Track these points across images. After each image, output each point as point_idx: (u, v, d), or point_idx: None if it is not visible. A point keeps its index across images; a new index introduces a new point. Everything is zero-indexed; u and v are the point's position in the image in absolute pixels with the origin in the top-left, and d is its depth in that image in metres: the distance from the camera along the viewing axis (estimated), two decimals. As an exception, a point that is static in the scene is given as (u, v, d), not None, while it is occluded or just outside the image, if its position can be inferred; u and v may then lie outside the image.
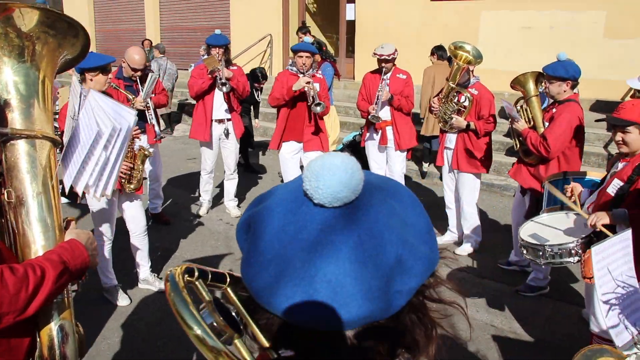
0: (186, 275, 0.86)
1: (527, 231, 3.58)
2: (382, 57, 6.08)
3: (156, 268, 5.16)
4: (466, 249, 5.76)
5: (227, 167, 6.89)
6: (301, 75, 6.01)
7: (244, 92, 6.58)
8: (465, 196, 5.72)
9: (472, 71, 5.51)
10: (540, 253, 3.23)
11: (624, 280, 1.92)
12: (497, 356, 3.95)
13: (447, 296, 0.86)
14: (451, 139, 5.68)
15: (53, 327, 1.66)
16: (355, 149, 8.99)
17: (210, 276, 0.91)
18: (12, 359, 1.60)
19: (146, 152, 4.48)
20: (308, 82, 5.79)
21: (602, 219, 3.11)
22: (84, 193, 1.99)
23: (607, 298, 1.89)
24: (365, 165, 7.72)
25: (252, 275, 0.77)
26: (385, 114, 6.30)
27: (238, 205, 7.20)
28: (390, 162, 6.51)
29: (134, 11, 18.29)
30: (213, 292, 0.90)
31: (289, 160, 6.36)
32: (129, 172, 4.40)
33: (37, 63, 1.76)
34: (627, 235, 2.08)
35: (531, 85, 4.79)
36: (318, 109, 5.90)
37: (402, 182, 6.55)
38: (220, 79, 6.20)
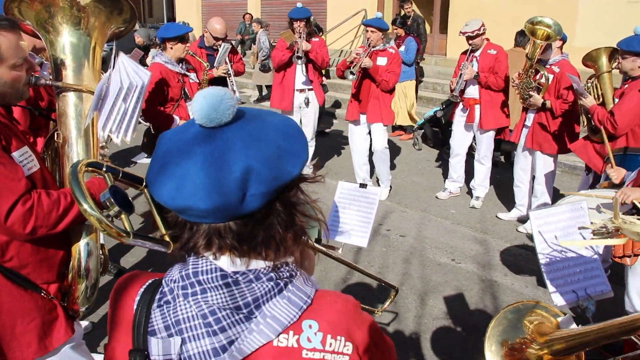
0: (90, 167, 1.15)
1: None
2: (467, 35, 6.06)
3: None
4: (529, 227, 5.71)
5: (306, 134, 7.17)
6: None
7: (323, 63, 6.85)
8: (538, 176, 5.66)
9: (561, 48, 5.39)
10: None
11: (570, 249, 1.99)
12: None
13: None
14: (530, 117, 5.60)
15: (81, 243, 2.04)
16: (437, 124, 9.02)
17: (121, 174, 1.19)
18: (50, 266, 2.02)
19: None
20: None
21: (632, 193, 3.08)
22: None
23: (546, 262, 1.97)
24: (446, 140, 7.75)
25: (148, 171, 1.05)
26: (474, 92, 6.26)
27: (313, 172, 7.47)
28: (477, 142, 6.48)
29: (238, -15, 18.96)
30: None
31: (354, 129, 6.63)
32: None
33: (90, 31, 2.15)
34: (578, 206, 2.10)
35: (604, 61, 4.65)
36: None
37: (488, 165, 6.51)
38: (297, 52, 6.46)
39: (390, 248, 5.42)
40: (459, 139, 6.59)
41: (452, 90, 6.30)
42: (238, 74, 6.68)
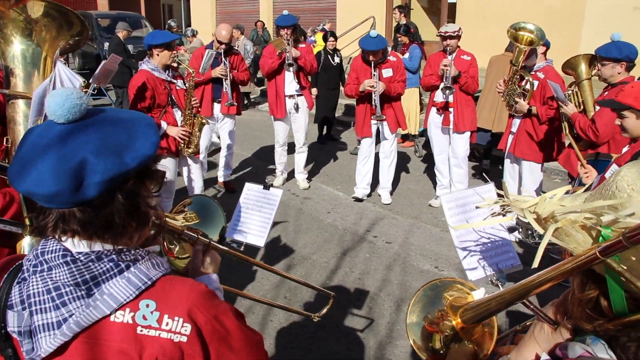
0: None
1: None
2: (447, 34, 6.13)
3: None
4: (517, 235, 5.72)
5: (296, 140, 7.34)
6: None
7: (312, 69, 7.05)
8: (524, 183, 5.67)
9: (545, 54, 5.42)
10: (529, 232, 3.29)
11: (484, 229, 2.06)
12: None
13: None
14: (515, 124, 5.63)
15: (24, 241, 2.15)
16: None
17: None
18: None
19: (203, 121, 5.03)
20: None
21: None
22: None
23: (462, 242, 2.05)
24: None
25: (9, 168, 1.16)
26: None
27: (308, 178, 7.58)
28: (453, 144, 6.53)
29: (250, -7, 19.22)
30: None
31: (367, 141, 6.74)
32: (187, 138, 4.97)
33: (40, 43, 2.25)
34: (487, 188, 2.16)
35: (583, 68, 4.68)
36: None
37: (466, 168, 6.59)
38: (288, 59, 6.60)
39: (374, 254, 5.47)
40: (439, 143, 6.65)
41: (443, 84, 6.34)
42: (241, 82, 6.90)
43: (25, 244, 2.18)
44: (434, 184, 7.35)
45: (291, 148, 7.64)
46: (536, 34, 5.10)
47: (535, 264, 1.16)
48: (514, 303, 1.35)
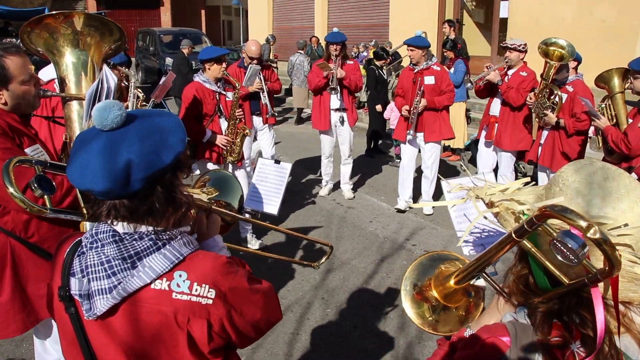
0: (18, 163, 1.53)
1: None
2: (505, 46, 6.26)
3: (258, 230, 5.99)
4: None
5: (342, 153, 7.53)
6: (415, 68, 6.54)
7: (356, 89, 7.30)
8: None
9: (576, 68, 5.47)
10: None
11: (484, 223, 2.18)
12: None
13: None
14: (544, 135, 5.69)
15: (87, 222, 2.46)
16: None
17: (48, 165, 1.57)
18: None
19: (246, 132, 5.33)
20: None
21: None
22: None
23: (458, 221, 2.19)
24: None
25: (68, 170, 1.41)
26: (495, 109, 6.43)
27: (353, 189, 7.77)
28: (498, 160, 6.56)
29: (306, 10, 19.70)
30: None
31: (406, 146, 6.91)
32: (229, 146, 5.28)
33: (87, 50, 2.57)
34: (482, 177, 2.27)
35: (616, 82, 4.71)
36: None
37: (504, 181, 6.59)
38: (332, 82, 6.93)
39: (411, 262, 5.56)
40: (483, 158, 6.70)
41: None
42: (274, 92, 7.16)
43: (87, 223, 2.50)
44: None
45: (338, 160, 7.85)
46: (567, 50, 5.19)
47: (460, 243, 1.36)
48: (474, 275, 1.51)
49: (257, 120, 7.06)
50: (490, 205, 1.34)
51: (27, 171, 2.46)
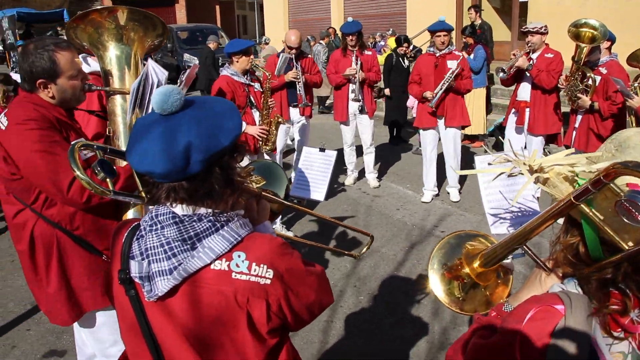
0: (82, 147, 1.58)
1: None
2: (527, 30, 6.22)
3: (288, 220, 6.03)
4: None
5: (363, 142, 7.56)
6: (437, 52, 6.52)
7: (376, 81, 7.41)
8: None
9: (609, 48, 5.40)
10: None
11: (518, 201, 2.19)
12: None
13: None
14: (578, 119, 5.63)
15: (129, 213, 2.53)
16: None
17: (109, 150, 1.61)
18: (108, 234, 2.53)
19: (280, 120, 5.40)
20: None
21: None
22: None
23: (489, 199, 2.19)
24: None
25: (128, 153, 1.44)
26: (525, 94, 6.35)
27: (378, 177, 7.79)
28: (527, 146, 6.49)
29: (321, 1, 19.64)
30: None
31: (426, 134, 6.91)
32: (265, 135, 5.36)
33: (130, 45, 2.62)
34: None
35: (649, 61, 4.64)
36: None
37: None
38: (354, 93, 7.11)
39: (441, 248, 5.60)
40: (514, 143, 6.63)
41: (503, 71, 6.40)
42: (314, 85, 7.11)
43: (130, 215, 2.55)
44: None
45: (361, 149, 7.86)
46: (600, 31, 5.08)
47: (514, 202, 1.34)
48: (515, 248, 1.51)
49: (294, 112, 7.02)
50: (540, 171, 1.31)
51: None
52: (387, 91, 9.74)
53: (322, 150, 3.17)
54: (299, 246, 2.83)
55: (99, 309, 2.77)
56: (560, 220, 1.33)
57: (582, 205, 1.16)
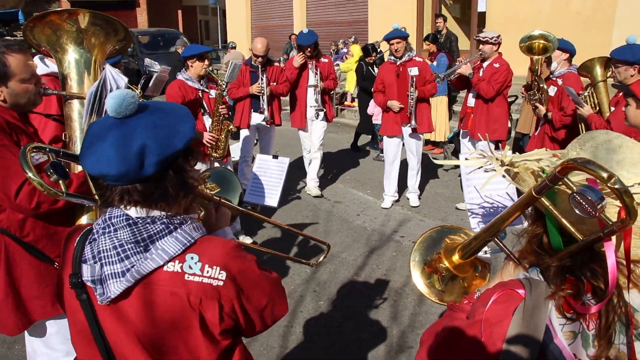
0: (34, 150, 1.59)
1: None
2: (478, 39, 6.45)
3: (249, 226, 6.05)
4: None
5: (312, 144, 7.50)
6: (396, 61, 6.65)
7: (335, 87, 7.60)
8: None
9: (569, 60, 5.58)
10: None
11: (492, 197, 2.28)
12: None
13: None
14: (539, 128, 5.81)
15: (83, 219, 2.48)
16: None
17: (61, 153, 1.62)
18: (59, 241, 2.45)
19: (230, 128, 5.40)
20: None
21: None
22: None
23: (470, 196, 2.28)
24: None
25: (81, 156, 1.45)
26: (470, 100, 6.60)
27: (320, 186, 7.75)
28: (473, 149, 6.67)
29: (284, 8, 19.72)
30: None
31: (390, 141, 7.01)
32: (214, 142, 5.35)
33: (90, 49, 2.59)
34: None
35: (598, 71, 4.84)
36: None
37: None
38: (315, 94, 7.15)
39: (400, 253, 5.69)
40: (466, 148, 6.84)
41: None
42: (280, 94, 6.99)
43: (84, 221, 2.52)
44: (462, 188, 7.51)
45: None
46: (551, 40, 5.28)
47: (482, 188, 1.41)
48: (488, 240, 1.59)
49: (255, 117, 6.86)
50: (510, 165, 1.38)
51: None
52: (354, 102, 9.83)
53: (275, 157, 3.23)
54: (259, 253, 2.85)
55: (50, 317, 2.70)
56: None
57: (542, 198, 1.23)
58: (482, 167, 1.58)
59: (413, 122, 6.62)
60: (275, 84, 6.87)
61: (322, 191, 7.72)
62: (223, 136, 5.39)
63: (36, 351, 2.89)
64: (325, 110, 7.30)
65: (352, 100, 13.62)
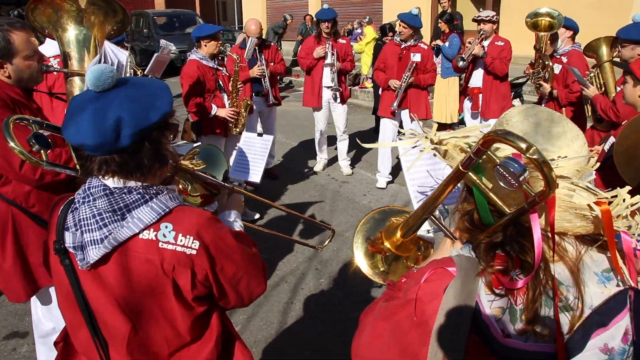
0: (18, 120, 1.67)
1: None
2: (479, 19, 6.48)
3: (254, 205, 6.15)
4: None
5: (337, 128, 7.62)
6: (403, 44, 6.61)
7: (350, 71, 7.49)
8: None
9: (572, 38, 5.56)
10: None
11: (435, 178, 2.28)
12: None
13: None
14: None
15: None
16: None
17: (45, 125, 1.71)
18: None
19: (248, 102, 5.53)
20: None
21: None
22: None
23: (411, 178, 2.29)
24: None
25: (63, 126, 1.54)
26: (477, 80, 6.62)
27: (351, 165, 7.91)
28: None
29: (300, -12, 19.62)
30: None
31: (387, 122, 7.01)
32: (235, 117, 5.48)
33: (90, 28, 2.67)
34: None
35: (604, 51, 4.80)
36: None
37: None
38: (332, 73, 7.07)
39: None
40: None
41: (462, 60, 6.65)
42: (279, 74, 7.08)
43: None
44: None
45: (333, 137, 7.95)
46: (556, 18, 5.26)
47: (408, 170, 1.45)
48: (426, 218, 1.60)
49: (257, 101, 6.89)
50: (439, 143, 1.39)
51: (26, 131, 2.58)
52: (366, 83, 9.79)
53: (260, 135, 3.36)
54: (265, 234, 2.96)
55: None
56: None
57: (469, 173, 1.25)
58: (415, 146, 1.58)
59: (395, 104, 6.60)
60: (272, 64, 6.91)
61: (331, 171, 7.81)
62: (243, 110, 5.55)
63: (41, 318, 3.03)
64: (341, 89, 7.30)
65: (365, 81, 13.60)
